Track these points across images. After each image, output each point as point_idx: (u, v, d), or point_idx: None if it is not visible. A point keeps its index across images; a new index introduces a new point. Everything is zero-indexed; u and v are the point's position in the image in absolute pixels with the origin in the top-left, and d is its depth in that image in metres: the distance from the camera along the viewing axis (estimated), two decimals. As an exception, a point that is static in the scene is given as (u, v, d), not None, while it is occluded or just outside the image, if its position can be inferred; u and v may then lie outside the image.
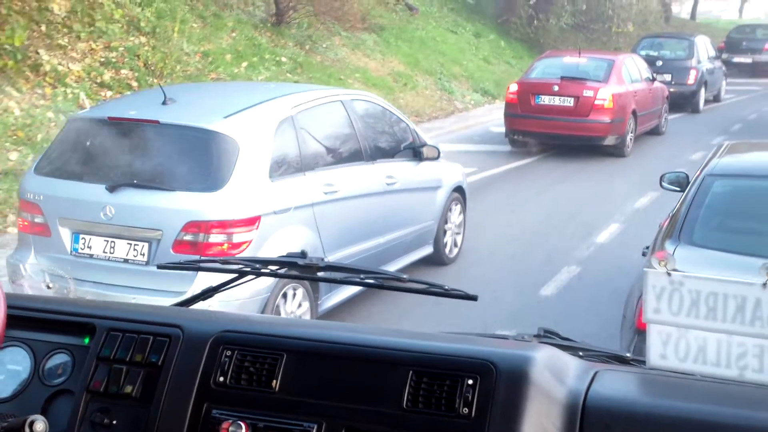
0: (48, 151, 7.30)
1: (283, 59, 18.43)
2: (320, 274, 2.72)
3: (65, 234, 6.77)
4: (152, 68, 14.81)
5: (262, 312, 6.52)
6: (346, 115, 8.16)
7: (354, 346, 2.26)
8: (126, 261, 6.64)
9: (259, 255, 6.50)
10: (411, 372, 2.14)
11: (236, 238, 6.54)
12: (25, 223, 6.96)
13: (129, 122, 7.04)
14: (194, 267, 2.81)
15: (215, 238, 6.50)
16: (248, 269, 2.72)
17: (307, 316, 6.97)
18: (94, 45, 14.49)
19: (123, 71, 14.33)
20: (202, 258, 2.99)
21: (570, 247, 10.26)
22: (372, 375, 2.19)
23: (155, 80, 14.20)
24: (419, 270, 8.91)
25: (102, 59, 14.33)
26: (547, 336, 2.68)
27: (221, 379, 2.23)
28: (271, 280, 6.40)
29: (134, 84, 14.12)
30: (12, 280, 6.73)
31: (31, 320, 2.38)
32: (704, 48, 26.23)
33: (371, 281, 2.72)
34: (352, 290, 7.65)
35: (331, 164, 7.75)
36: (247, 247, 6.57)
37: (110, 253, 6.67)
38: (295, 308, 6.92)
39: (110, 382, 2.28)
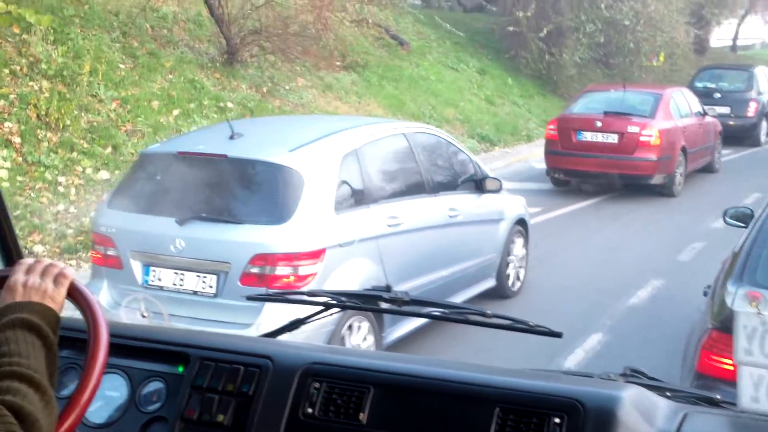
0: (120, 186, 7.45)
1: (230, 104, 15.46)
2: (405, 308, 2.73)
3: (136, 266, 6.89)
4: (46, 119, 12.00)
5: (328, 344, 6.54)
6: (409, 148, 8.20)
7: (441, 381, 2.27)
8: (195, 293, 6.73)
9: (324, 287, 6.52)
10: (497, 409, 2.15)
11: (302, 271, 6.58)
12: (98, 256, 7.09)
13: (198, 156, 7.14)
14: (281, 299, 2.86)
15: (281, 270, 6.54)
16: (334, 302, 2.76)
17: (372, 349, 6.99)
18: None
19: (6, 124, 11.40)
20: (289, 290, 3.03)
21: (625, 287, 10.11)
22: (458, 411, 2.19)
23: (48, 133, 11.83)
24: (482, 303, 8.88)
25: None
26: (633, 375, 2.62)
27: (309, 410, 2.28)
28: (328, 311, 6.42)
29: (16, 140, 11.26)
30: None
31: (128, 348, 2.45)
32: (765, 79, 25.36)
33: (456, 316, 2.71)
34: (416, 323, 7.65)
35: (394, 197, 7.78)
36: (313, 279, 6.59)
37: (180, 285, 6.77)
38: (360, 340, 6.93)
39: (203, 410, 2.34)
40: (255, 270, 6.56)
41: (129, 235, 6.93)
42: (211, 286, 6.70)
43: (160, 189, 7.19)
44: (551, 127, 16.81)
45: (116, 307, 6.72)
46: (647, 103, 16.53)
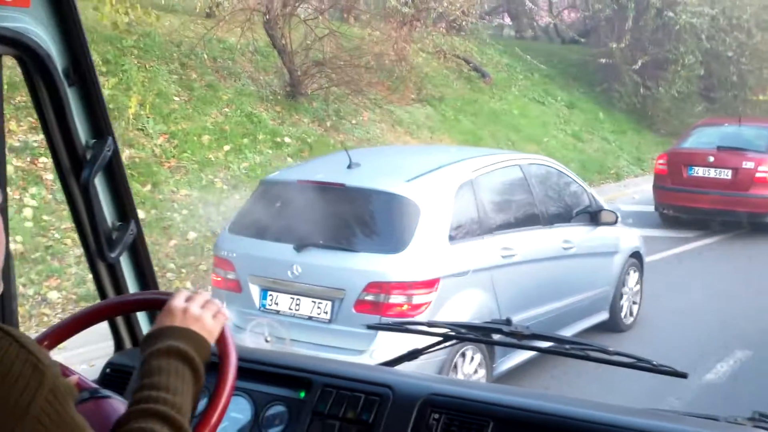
0: (241, 212, 7.60)
1: (287, 139, 14.49)
2: (524, 342, 2.73)
3: (254, 290, 7.03)
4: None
5: (439, 372, 6.56)
6: (524, 178, 8.18)
7: (562, 418, 2.26)
8: (310, 318, 6.82)
9: (436, 317, 6.56)
10: None
11: (416, 300, 6.61)
12: (219, 279, 7.25)
13: (316, 185, 7.24)
14: (401, 329, 2.88)
15: (396, 299, 6.60)
16: (453, 333, 2.78)
17: (483, 380, 6.98)
18: (15, 126, 10.98)
19: (42, 159, 10.65)
20: (409, 320, 3.05)
21: (743, 329, 9.84)
22: None
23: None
24: (595, 336, 8.77)
25: (19, 143, 10.78)
26: (763, 420, 2.55)
27: None
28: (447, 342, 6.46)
29: (48, 176, 10.54)
30: None
31: (253, 372, 2.51)
32: None
33: (576, 352, 2.69)
34: (527, 355, 7.60)
35: (508, 228, 7.74)
36: (426, 308, 6.61)
37: (295, 309, 6.87)
38: (471, 371, 6.93)
39: None
40: (369, 297, 6.64)
41: (248, 260, 7.07)
42: (325, 312, 6.78)
43: (279, 216, 7.31)
44: (660, 161, 16.27)
45: (235, 330, 6.81)
46: (763, 138, 15.72)
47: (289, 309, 6.91)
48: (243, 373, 2.01)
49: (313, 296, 6.84)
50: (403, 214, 6.94)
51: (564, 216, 8.70)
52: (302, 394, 2.50)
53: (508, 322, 2.75)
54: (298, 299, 6.89)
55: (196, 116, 13.51)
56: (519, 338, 2.71)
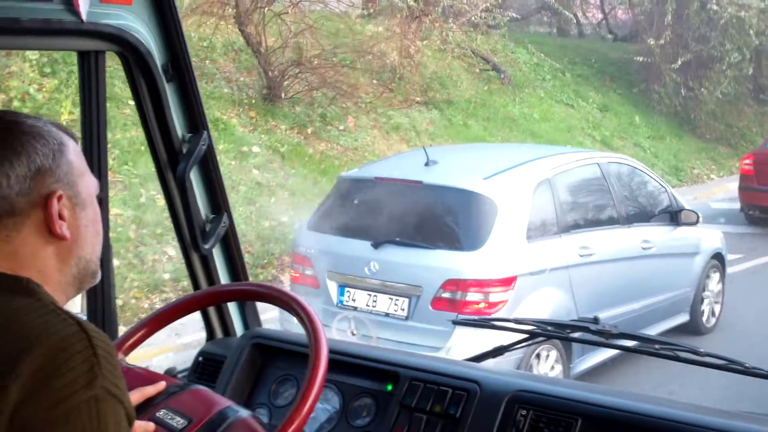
0: (319, 208, 7.66)
1: (255, 149, 12.86)
2: (612, 341, 2.72)
3: (332, 286, 7.08)
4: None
5: (518, 366, 6.55)
6: (602, 177, 8.12)
7: (652, 419, 2.23)
8: (387, 315, 6.85)
9: (513, 315, 6.47)
10: None
11: (492, 298, 6.61)
12: (297, 275, 7.33)
13: (394, 182, 7.31)
14: (488, 325, 2.91)
15: (472, 296, 6.60)
16: (539, 331, 2.78)
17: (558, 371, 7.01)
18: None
19: None
20: (494, 317, 3.06)
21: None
22: None
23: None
24: (674, 338, 8.60)
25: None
26: None
27: None
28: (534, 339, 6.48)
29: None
30: (283, 327, 6.91)
31: (341, 364, 2.55)
32: None
33: (665, 352, 2.65)
34: (606, 355, 7.57)
35: (586, 227, 7.71)
36: (503, 306, 6.59)
37: (372, 306, 6.91)
38: (547, 369, 6.92)
39: (411, 429, 2.40)
40: (446, 295, 6.65)
41: (326, 257, 7.12)
42: (402, 309, 6.81)
43: (357, 213, 7.37)
44: (747, 161, 15.89)
45: (348, 323, 6.93)
46: None
47: (366, 305, 6.94)
48: (331, 365, 2.04)
49: (390, 293, 6.87)
50: (481, 212, 6.92)
51: (643, 215, 8.61)
52: (389, 387, 2.52)
53: (595, 320, 2.72)
54: (375, 296, 6.92)
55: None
56: (606, 337, 2.69)
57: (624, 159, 9.21)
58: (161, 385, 2.02)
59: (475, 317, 2.98)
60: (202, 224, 2.61)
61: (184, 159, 2.52)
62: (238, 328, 2.86)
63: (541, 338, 2.84)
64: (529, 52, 22.55)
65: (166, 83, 2.47)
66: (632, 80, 23.98)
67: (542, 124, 19.22)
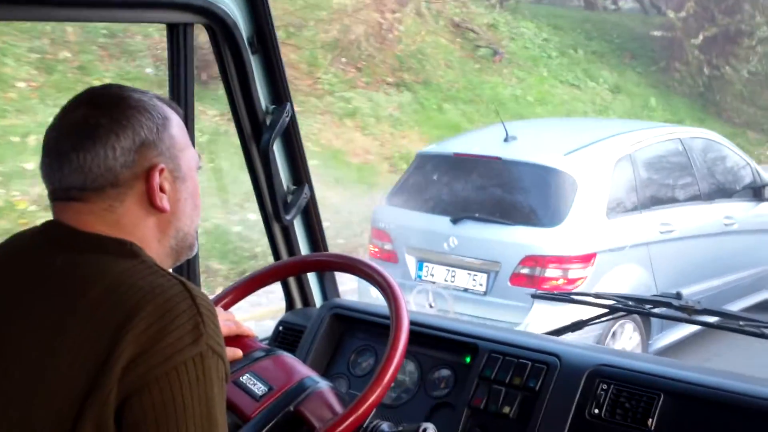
0: (398, 184, 7.63)
1: None
2: (695, 317, 2.66)
3: (411, 261, 7.06)
4: None
5: (598, 340, 6.49)
6: (684, 153, 7.95)
7: (737, 395, 2.18)
8: (465, 290, 6.82)
9: (592, 291, 6.49)
10: None
11: (572, 274, 6.55)
12: (376, 249, 7.31)
13: (473, 158, 7.26)
14: (567, 299, 2.86)
15: (551, 272, 6.54)
16: (620, 306, 2.73)
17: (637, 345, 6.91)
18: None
19: None
20: (574, 291, 3.00)
21: None
22: (756, 427, 2.11)
23: None
24: (756, 315, 8.39)
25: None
26: None
27: (596, 411, 2.26)
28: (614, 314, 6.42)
29: None
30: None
31: (420, 335, 2.54)
32: None
33: (751, 329, 2.57)
34: (686, 331, 7.45)
35: (667, 203, 7.56)
36: (582, 283, 6.52)
37: (451, 281, 6.87)
38: (625, 345, 6.83)
39: (489, 401, 2.39)
40: (525, 271, 6.59)
41: (405, 232, 7.10)
42: (481, 284, 6.78)
43: (436, 188, 7.33)
44: None
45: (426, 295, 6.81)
46: None
47: (445, 280, 6.91)
48: (410, 336, 2.04)
49: (468, 268, 6.83)
50: (561, 188, 6.86)
51: (726, 191, 8.41)
52: (468, 359, 2.51)
53: (678, 295, 2.67)
54: (453, 271, 6.89)
55: (40, 109, 9.85)
56: (689, 313, 2.63)
57: (707, 134, 8.98)
58: (238, 353, 2.04)
59: (555, 292, 2.90)
60: (284, 195, 2.63)
61: (267, 131, 2.53)
62: (318, 298, 2.88)
63: (621, 313, 2.78)
64: (538, 25, 20.38)
65: (252, 55, 2.48)
66: (655, 58, 20.95)
67: (536, 108, 16.65)
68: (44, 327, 1.46)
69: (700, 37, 19.05)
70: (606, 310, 2.79)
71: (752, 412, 2.14)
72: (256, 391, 1.96)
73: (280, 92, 2.55)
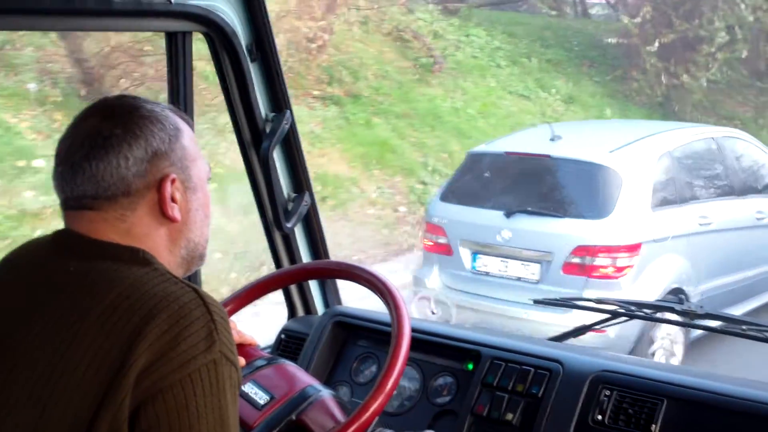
0: (451, 181, 7.40)
1: (40, 162, 8.05)
2: (697, 321, 2.38)
3: (465, 253, 6.79)
4: None
5: (640, 336, 6.20)
6: (718, 150, 7.64)
7: (741, 400, 1.93)
8: (519, 279, 6.57)
9: (638, 280, 6.26)
10: None
11: (619, 263, 6.26)
12: (430, 243, 7.04)
13: (524, 156, 7.03)
14: (569, 305, 2.54)
15: (601, 261, 6.26)
16: (622, 311, 2.44)
17: (680, 342, 6.56)
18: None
19: None
20: (577, 297, 2.70)
21: None
22: None
23: None
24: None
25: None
26: None
27: (599, 417, 2.01)
28: (653, 295, 6.13)
29: None
30: (414, 292, 6.88)
31: (422, 342, 2.26)
32: None
33: (754, 333, 2.27)
34: (737, 313, 6.95)
35: (704, 197, 7.25)
36: (629, 271, 6.26)
37: (504, 271, 6.63)
38: (669, 331, 6.45)
39: (492, 407, 2.12)
40: (576, 260, 6.32)
41: (459, 226, 6.84)
42: (533, 273, 6.53)
43: (489, 185, 7.10)
44: None
45: (445, 290, 6.74)
46: None
47: (498, 271, 6.67)
48: (413, 343, 1.79)
49: (521, 259, 6.58)
50: (607, 183, 6.56)
51: (756, 188, 8.00)
52: (470, 366, 2.22)
53: (680, 300, 2.37)
54: (507, 261, 6.64)
55: None
56: (692, 317, 2.34)
57: (737, 133, 8.56)
58: (242, 361, 1.80)
59: (558, 298, 2.56)
60: (285, 203, 2.35)
61: (267, 138, 2.26)
62: (319, 306, 2.58)
63: (623, 318, 2.45)
64: (490, 33, 16.82)
65: (251, 63, 2.21)
66: (613, 66, 17.45)
67: (478, 121, 13.58)
68: (58, 333, 1.33)
69: (656, 44, 15.79)
70: (608, 315, 2.48)
71: (756, 417, 1.87)
72: (258, 400, 1.75)
73: (279, 100, 2.28)
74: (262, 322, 2.82)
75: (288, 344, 2.42)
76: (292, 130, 2.28)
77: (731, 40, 15.69)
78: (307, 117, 11.52)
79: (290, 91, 4.34)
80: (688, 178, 7.21)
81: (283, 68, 2.17)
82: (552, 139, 7.00)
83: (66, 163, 1.43)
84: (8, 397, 1.33)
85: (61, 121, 8.95)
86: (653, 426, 1.93)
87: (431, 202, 7.45)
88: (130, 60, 9.86)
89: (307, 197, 2.35)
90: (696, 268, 6.79)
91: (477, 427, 2.11)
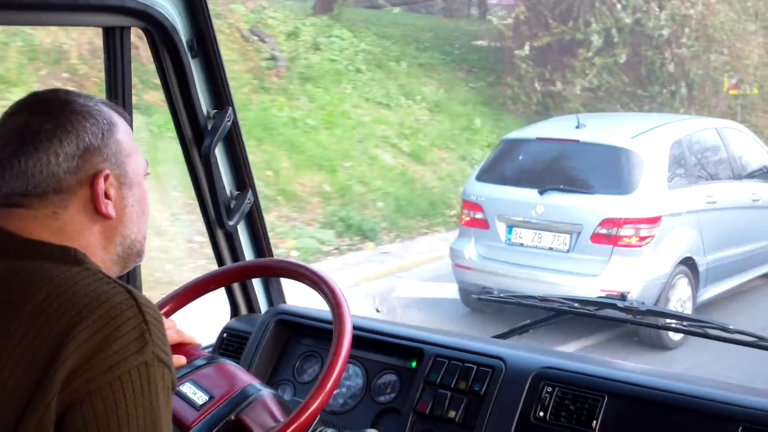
0: (486, 164, 7.04)
1: None
2: (639, 318, 1.96)
3: (501, 227, 6.42)
4: None
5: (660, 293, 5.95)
6: (720, 139, 7.22)
7: (681, 396, 1.61)
8: (550, 249, 6.23)
9: (657, 249, 5.98)
10: (741, 428, 1.50)
11: (642, 233, 5.96)
12: (467, 219, 6.66)
13: (554, 141, 6.76)
14: (514, 302, 2.11)
15: (625, 232, 5.96)
16: (566, 308, 2.02)
17: (689, 304, 6.25)
18: None
19: None
20: (522, 294, 2.33)
21: None
22: (698, 427, 1.55)
23: None
24: None
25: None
26: None
27: (541, 413, 1.66)
28: (669, 262, 5.99)
29: None
30: (454, 263, 6.59)
31: (366, 340, 1.86)
32: None
33: (694, 329, 1.92)
34: (729, 285, 6.78)
35: (710, 179, 6.89)
36: (650, 241, 5.95)
37: (537, 242, 6.28)
38: (681, 295, 6.20)
39: (435, 405, 1.74)
40: (603, 231, 6.00)
41: (495, 203, 6.47)
42: (564, 243, 6.18)
43: (522, 166, 6.74)
44: None
45: (482, 260, 6.42)
46: None
47: (532, 242, 6.30)
48: (355, 341, 1.48)
49: (553, 231, 6.24)
50: (630, 163, 6.21)
51: (752, 173, 7.49)
52: (413, 364, 1.82)
53: (622, 297, 1.97)
54: (539, 234, 6.27)
55: None
56: (634, 314, 1.94)
57: (735, 125, 8.13)
58: (181, 360, 1.47)
59: (501, 295, 2.11)
60: (227, 201, 1.93)
61: (209, 135, 1.84)
62: (263, 304, 2.14)
63: (567, 315, 2.03)
64: (358, 35, 13.22)
65: (191, 59, 1.80)
66: (489, 71, 13.83)
67: (320, 133, 10.14)
68: None
69: (526, 47, 12.62)
70: (552, 313, 2.06)
71: (696, 413, 1.59)
72: (197, 400, 1.43)
73: (221, 96, 1.85)
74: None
75: (230, 343, 2.01)
76: (235, 127, 1.86)
77: (609, 44, 12.55)
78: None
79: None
80: (696, 161, 6.91)
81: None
82: (577, 127, 6.71)
83: None
84: None
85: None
86: (594, 422, 1.63)
87: (467, 183, 7.09)
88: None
89: (250, 195, 1.93)
90: (704, 241, 6.45)
91: (420, 424, 1.74)
